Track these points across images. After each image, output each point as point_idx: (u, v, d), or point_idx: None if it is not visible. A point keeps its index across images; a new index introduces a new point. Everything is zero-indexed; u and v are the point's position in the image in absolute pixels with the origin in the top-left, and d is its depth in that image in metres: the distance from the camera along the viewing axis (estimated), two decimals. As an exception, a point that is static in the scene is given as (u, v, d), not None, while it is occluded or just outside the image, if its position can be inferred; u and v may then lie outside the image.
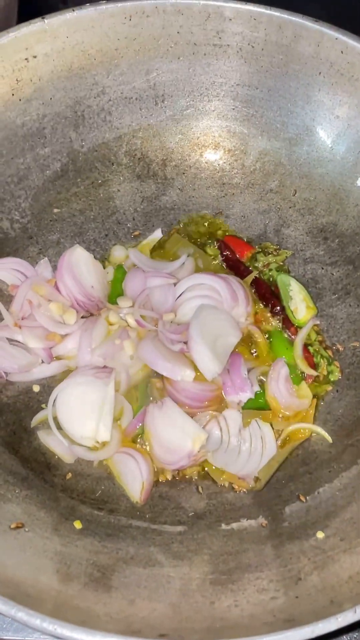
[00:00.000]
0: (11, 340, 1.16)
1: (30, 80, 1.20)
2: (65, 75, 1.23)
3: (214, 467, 1.10)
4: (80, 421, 1.09)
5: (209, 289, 1.21)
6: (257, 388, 1.14)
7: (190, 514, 1.05)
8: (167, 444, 1.07)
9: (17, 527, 0.94)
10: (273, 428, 1.12)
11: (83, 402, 1.10)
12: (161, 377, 1.15)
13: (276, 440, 1.11)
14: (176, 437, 1.07)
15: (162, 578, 0.93)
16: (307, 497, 1.05)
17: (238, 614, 0.85)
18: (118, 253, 1.30)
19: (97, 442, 1.09)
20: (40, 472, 1.06)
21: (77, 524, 0.99)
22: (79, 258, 1.22)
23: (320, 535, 0.97)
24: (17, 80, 1.19)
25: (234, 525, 1.03)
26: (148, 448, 1.10)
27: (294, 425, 1.13)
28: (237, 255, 1.30)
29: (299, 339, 1.20)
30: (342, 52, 1.20)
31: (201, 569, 0.95)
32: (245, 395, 1.13)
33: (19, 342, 1.16)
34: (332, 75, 1.22)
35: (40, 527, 0.96)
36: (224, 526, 1.03)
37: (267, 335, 1.22)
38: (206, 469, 1.10)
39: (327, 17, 1.22)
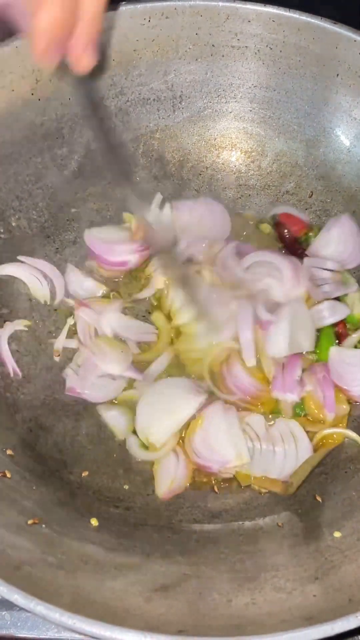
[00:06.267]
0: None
1: (50, 81, 1.21)
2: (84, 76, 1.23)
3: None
4: (154, 417, 1.09)
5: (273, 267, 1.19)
6: (310, 387, 1.11)
7: (206, 513, 1.05)
8: (212, 442, 1.06)
9: (35, 524, 0.94)
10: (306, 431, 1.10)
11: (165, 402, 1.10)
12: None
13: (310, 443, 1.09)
14: (224, 441, 1.06)
15: (179, 576, 0.93)
16: (323, 497, 1.05)
17: (256, 612, 0.85)
18: None
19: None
20: (57, 470, 1.07)
21: (94, 521, 0.99)
22: None
23: (337, 534, 0.97)
24: (36, 80, 1.19)
25: (250, 524, 1.03)
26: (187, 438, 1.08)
27: (328, 430, 1.11)
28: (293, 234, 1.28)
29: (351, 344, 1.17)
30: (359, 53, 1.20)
31: (217, 567, 0.95)
32: (292, 397, 1.11)
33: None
34: (350, 77, 1.22)
35: (57, 524, 0.96)
36: (239, 525, 1.03)
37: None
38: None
39: (340, 19, 1.22)
